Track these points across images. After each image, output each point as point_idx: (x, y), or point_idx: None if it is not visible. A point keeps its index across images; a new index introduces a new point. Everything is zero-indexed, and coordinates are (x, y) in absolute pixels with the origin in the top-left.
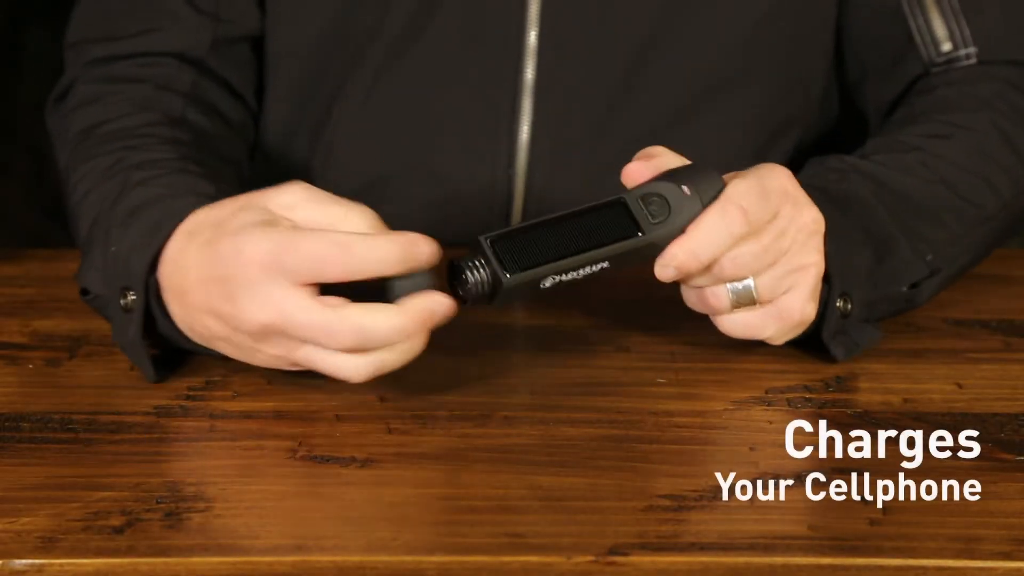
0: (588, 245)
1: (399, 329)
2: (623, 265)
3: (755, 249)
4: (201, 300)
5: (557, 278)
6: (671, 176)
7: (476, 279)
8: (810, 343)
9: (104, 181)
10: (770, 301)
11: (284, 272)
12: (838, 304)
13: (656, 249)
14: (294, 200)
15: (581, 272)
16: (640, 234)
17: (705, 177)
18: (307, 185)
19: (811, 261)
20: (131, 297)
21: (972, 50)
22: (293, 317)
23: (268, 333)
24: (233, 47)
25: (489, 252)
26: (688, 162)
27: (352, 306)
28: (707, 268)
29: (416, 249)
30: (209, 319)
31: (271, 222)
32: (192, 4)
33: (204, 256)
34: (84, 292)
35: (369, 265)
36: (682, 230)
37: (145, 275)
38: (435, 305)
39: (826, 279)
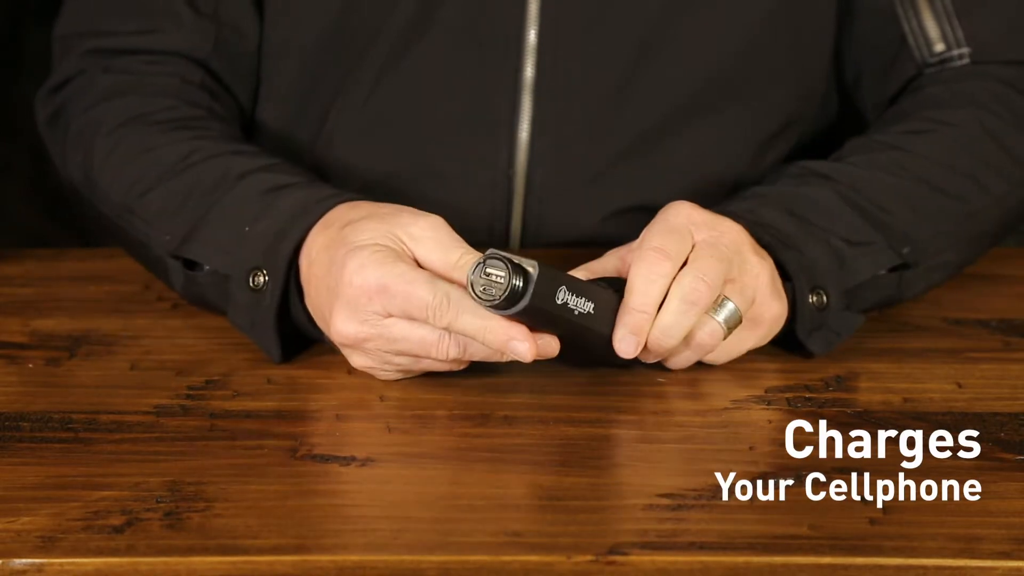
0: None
1: (489, 355)
2: (604, 317)
3: (706, 266)
4: (315, 293)
5: (566, 296)
6: None
7: (501, 276)
8: (792, 343)
9: (190, 168)
10: (750, 317)
11: (385, 306)
12: (812, 299)
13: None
14: (423, 235)
15: (580, 303)
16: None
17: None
18: (443, 223)
19: (756, 267)
20: (261, 277)
21: (965, 50)
22: (392, 333)
23: (357, 345)
24: (232, 49)
25: (506, 254)
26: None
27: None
28: (686, 306)
29: (510, 346)
30: (317, 312)
31: (388, 249)
32: (192, 5)
33: (322, 258)
34: (188, 265)
35: (469, 330)
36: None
37: (289, 258)
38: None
39: (790, 279)
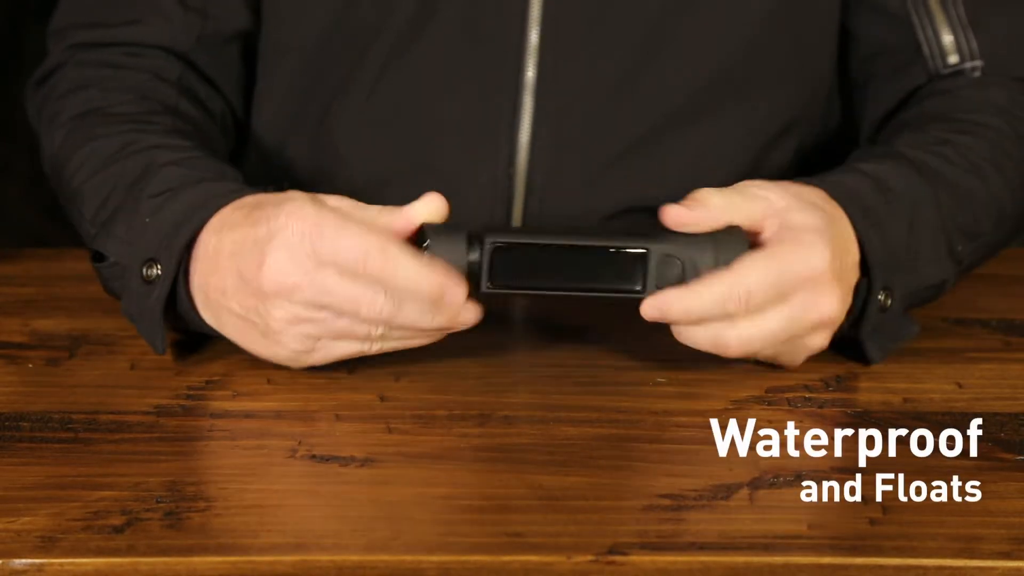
0: (584, 284)
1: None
2: (611, 303)
3: (758, 333)
4: (227, 263)
5: (535, 293)
6: (706, 239)
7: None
8: (839, 343)
9: (118, 160)
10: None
11: (317, 249)
12: (879, 296)
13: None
14: (340, 203)
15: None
16: (640, 293)
17: (733, 246)
18: (354, 201)
19: (815, 343)
20: (155, 270)
21: (978, 63)
22: (325, 283)
23: (287, 292)
24: (218, 44)
25: (486, 258)
26: (731, 222)
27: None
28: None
29: (450, 297)
30: (229, 280)
31: (321, 202)
32: (179, 0)
33: (243, 224)
34: (97, 258)
35: (401, 283)
36: None
37: (182, 249)
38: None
39: (865, 272)
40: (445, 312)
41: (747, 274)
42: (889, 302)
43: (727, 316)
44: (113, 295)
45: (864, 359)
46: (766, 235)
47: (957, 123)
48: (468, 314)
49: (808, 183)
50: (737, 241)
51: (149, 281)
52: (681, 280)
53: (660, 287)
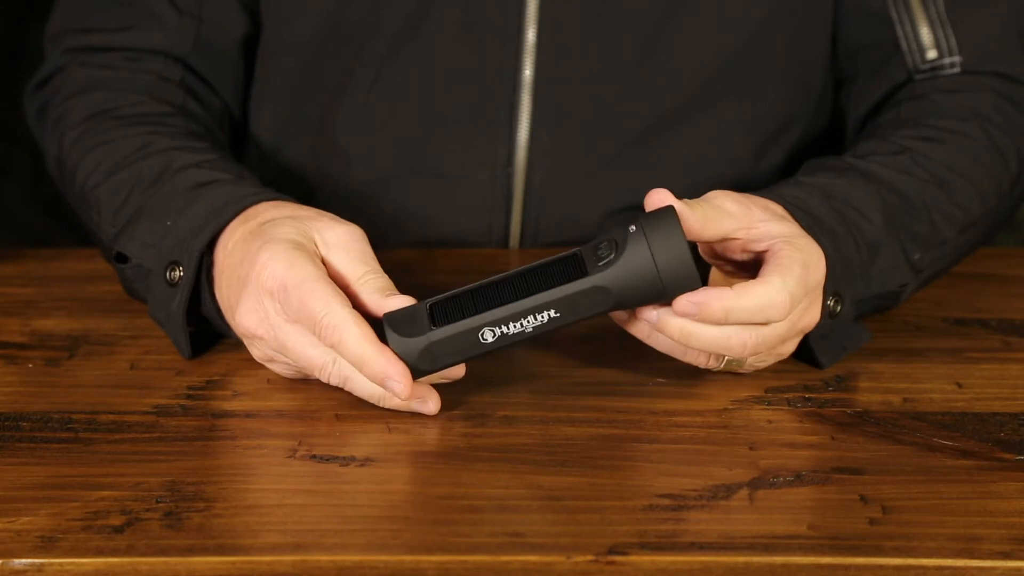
0: (528, 293)
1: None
2: (577, 314)
3: (770, 338)
4: (226, 284)
5: (497, 330)
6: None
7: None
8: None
9: (136, 162)
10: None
11: (282, 305)
12: (828, 302)
13: (607, 294)
14: (336, 242)
15: (527, 323)
16: (583, 276)
17: (657, 216)
18: (360, 235)
19: (791, 347)
20: (178, 272)
21: (957, 59)
22: (286, 341)
23: (255, 338)
24: (215, 47)
25: (426, 314)
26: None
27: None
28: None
29: (391, 386)
30: (225, 303)
31: (302, 249)
32: (174, 5)
33: (238, 250)
34: (120, 259)
35: (350, 357)
36: (628, 269)
37: (201, 253)
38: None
39: None
40: (391, 398)
41: (790, 280)
42: (839, 308)
43: (766, 320)
44: (136, 298)
45: (816, 364)
46: (762, 247)
47: (927, 130)
48: (425, 405)
49: (760, 195)
50: (663, 214)
51: (173, 284)
52: (615, 253)
53: (600, 266)
